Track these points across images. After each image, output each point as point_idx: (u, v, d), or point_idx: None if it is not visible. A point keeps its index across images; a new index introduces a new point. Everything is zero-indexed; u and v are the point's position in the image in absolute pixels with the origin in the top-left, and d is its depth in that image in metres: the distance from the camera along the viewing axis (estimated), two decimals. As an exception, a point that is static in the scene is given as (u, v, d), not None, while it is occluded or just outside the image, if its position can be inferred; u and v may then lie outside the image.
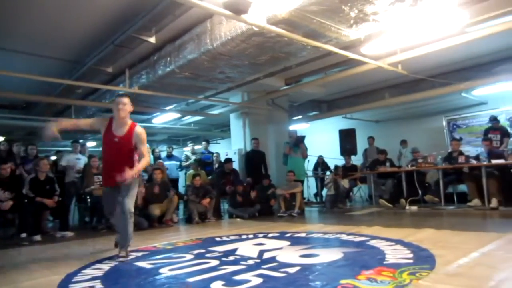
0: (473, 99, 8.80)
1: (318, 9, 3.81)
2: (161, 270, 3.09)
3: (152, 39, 4.81)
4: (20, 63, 6.23)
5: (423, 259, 2.82)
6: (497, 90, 7.71)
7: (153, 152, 8.78)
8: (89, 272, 3.17)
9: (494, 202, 6.01)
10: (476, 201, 6.32)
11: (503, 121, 8.80)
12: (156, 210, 6.37)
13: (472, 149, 8.79)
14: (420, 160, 7.47)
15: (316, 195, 10.26)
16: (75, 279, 2.93)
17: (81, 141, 9.05)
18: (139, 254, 3.90)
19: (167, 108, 8.74)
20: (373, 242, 3.67)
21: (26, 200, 5.55)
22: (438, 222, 5.07)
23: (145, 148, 3.75)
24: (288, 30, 4.21)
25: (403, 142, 9.32)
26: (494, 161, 6.27)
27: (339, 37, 4.50)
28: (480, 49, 6.49)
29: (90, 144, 12.19)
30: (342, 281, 2.36)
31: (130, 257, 3.73)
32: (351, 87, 8.98)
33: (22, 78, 5.59)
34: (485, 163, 6.38)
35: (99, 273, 3.12)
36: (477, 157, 6.89)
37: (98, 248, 4.43)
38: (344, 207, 8.20)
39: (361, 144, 10.13)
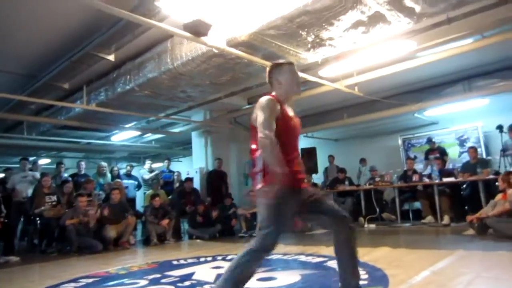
0: (425, 119, 9.23)
1: (276, 33, 3.90)
2: (112, 299, 2.97)
3: (111, 57, 4.72)
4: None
5: (377, 280, 2.88)
6: (447, 111, 8.17)
7: (111, 171, 8.51)
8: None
9: (446, 219, 6.27)
10: (429, 218, 6.57)
11: (453, 141, 9.29)
12: (111, 231, 6.14)
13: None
14: (377, 179, 7.71)
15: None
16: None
17: (31, 158, 8.63)
18: (89, 280, 3.72)
19: (127, 125, 8.53)
20: (331, 263, 3.70)
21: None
22: (394, 240, 5.21)
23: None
24: (247, 52, 4.27)
25: (362, 161, 9.58)
26: (445, 179, 6.58)
27: (298, 59, 4.61)
28: (431, 72, 6.85)
29: (43, 161, 11.69)
30: (299, 306, 2.36)
31: (80, 283, 3.56)
32: (312, 107, 9.16)
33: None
34: (437, 181, 6.67)
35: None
36: (429, 176, 7.20)
37: (46, 274, 4.17)
38: (306, 226, 8.24)
39: (322, 162, 10.31)
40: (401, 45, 4.75)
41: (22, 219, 6.93)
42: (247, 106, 8.33)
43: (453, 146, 9.30)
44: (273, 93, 2.39)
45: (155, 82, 5.14)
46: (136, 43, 4.83)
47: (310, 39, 4.04)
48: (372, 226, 6.99)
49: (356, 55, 5.01)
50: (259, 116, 2.20)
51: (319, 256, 4.17)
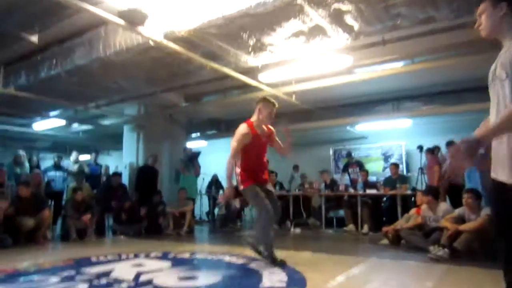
0: (356, 133, 9.75)
1: (217, 32, 3.88)
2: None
3: (34, 38, 4.35)
4: None
5: (296, 282, 2.96)
6: (376, 127, 8.73)
7: (30, 160, 7.88)
8: None
9: (365, 228, 6.65)
10: (351, 226, 6.92)
11: (379, 155, 9.92)
12: (27, 222, 5.67)
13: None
14: (306, 186, 7.96)
15: (208, 213, 10.21)
16: None
17: None
18: (-7, 277, 3.40)
19: (51, 113, 7.95)
20: (253, 265, 3.74)
21: None
22: (317, 245, 5.41)
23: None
24: (186, 48, 4.20)
25: (295, 167, 9.85)
26: (368, 191, 6.97)
27: (238, 62, 4.64)
28: (365, 89, 7.23)
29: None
30: (215, 306, 2.35)
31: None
32: (250, 109, 9.16)
33: None
34: (360, 192, 7.05)
35: None
36: (355, 186, 7.60)
37: None
38: (235, 227, 8.29)
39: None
40: (339, 59, 4.96)
41: None
42: (185, 104, 8.18)
43: (378, 161, 9.94)
44: (252, 119, 3.76)
45: (85, 70, 4.83)
46: (65, 26, 4.45)
47: (251, 42, 4.08)
48: (298, 230, 7.19)
49: (296, 64, 5.15)
50: (232, 142, 3.58)
51: (243, 257, 4.19)
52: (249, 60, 4.78)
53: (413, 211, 5.44)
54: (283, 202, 8.07)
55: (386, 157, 9.81)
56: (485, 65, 1.79)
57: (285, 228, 7.42)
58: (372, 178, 8.35)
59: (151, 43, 3.97)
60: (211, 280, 3.11)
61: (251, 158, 3.65)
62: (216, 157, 11.52)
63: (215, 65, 4.82)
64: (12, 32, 4.25)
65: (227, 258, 4.19)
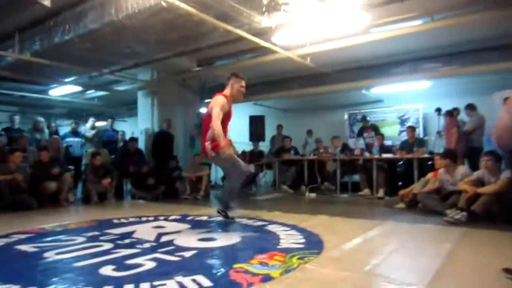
0: (372, 96, 9.58)
1: (231, -8, 3.76)
2: (46, 254, 2.86)
3: (47, 2, 4.28)
4: None
5: (313, 244, 3.00)
6: (392, 90, 8.52)
7: (48, 126, 8.00)
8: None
9: (381, 192, 6.65)
10: (366, 191, 6.93)
11: (395, 119, 9.77)
12: (49, 185, 5.86)
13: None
14: (321, 150, 7.94)
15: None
16: None
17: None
18: (23, 236, 3.55)
19: (67, 80, 7.98)
20: (271, 227, 3.81)
21: None
22: (332, 209, 5.45)
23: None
24: (198, 10, 4.09)
25: (309, 132, 9.81)
26: (384, 155, 6.92)
27: (251, 23, 4.52)
28: (381, 50, 7.02)
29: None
30: (235, 265, 2.41)
31: (12, 239, 3.39)
32: (263, 74, 9.11)
33: None
34: (376, 156, 7.00)
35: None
36: (370, 151, 7.54)
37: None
38: (249, 192, 8.39)
39: (270, 131, 10.41)
40: (355, 18, 4.78)
41: None
42: (197, 68, 8.10)
43: (394, 125, 9.79)
44: (225, 92, 4.03)
45: (97, 34, 4.77)
46: None
47: (265, 1, 3.98)
48: (313, 195, 7.24)
49: (311, 24, 4.99)
50: (214, 109, 3.78)
51: (260, 220, 4.27)
52: (263, 20, 4.66)
53: (430, 175, 5.40)
54: (297, 167, 8.14)
55: (402, 121, 9.65)
56: (507, 21, 1.70)
57: (300, 192, 7.48)
58: (388, 142, 8.26)
59: (164, 4, 3.87)
60: (230, 241, 3.17)
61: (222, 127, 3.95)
62: (230, 122, 11.55)
63: (228, 27, 4.70)
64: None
65: (244, 221, 4.27)
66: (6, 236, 3.54)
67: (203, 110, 9.53)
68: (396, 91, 8.62)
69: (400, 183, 6.81)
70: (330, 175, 7.81)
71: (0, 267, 2.53)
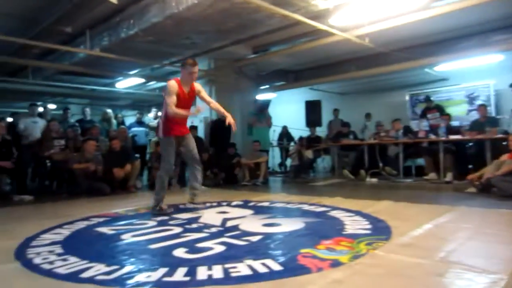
0: (435, 74, 9.05)
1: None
2: (122, 236, 3.07)
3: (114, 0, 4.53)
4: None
5: (380, 230, 2.94)
6: (459, 66, 7.96)
7: (115, 117, 8.51)
8: (49, 236, 3.11)
9: (449, 176, 6.29)
10: (432, 175, 6.59)
11: (462, 98, 9.18)
12: (119, 173, 6.26)
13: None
14: (382, 134, 7.69)
15: (280, 165, 10.41)
16: (34, 243, 2.87)
17: (39, 103, 8.61)
18: (100, 219, 3.85)
19: (131, 72, 8.41)
20: (334, 213, 3.79)
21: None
22: (396, 194, 5.28)
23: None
24: (256, -3, 4.10)
25: (368, 115, 9.53)
26: (451, 137, 6.53)
27: (308, 6, 4.45)
28: (445, 24, 6.58)
29: (50, 106, 11.63)
30: (302, 250, 2.42)
31: (92, 222, 3.69)
32: (318, 58, 8.95)
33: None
34: (443, 138, 6.63)
35: (59, 237, 3.06)
36: (435, 132, 7.16)
37: (59, 213, 4.31)
38: (308, 178, 8.38)
39: (326, 115, 10.27)
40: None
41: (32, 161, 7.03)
42: (252, 56, 8.14)
43: (461, 104, 9.21)
44: (179, 77, 4.16)
45: (159, 27, 4.99)
46: None
47: (323, -17, 3.86)
48: (374, 180, 7.07)
49: (369, 3, 4.80)
50: (167, 93, 3.98)
51: (321, 206, 4.25)
52: (320, 3, 4.55)
53: (504, 156, 5.02)
54: (357, 151, 7.96)
55: (470, 99, 9.04)
56: None
57: (360, 178, 7.32)
58: (455, 123, 7.78)
59: (222, -7, 3.93)
60: (294, 227, 3.19)
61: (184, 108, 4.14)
62: (285, 108, 11.56)
63: (285, 12, 4.66)
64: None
65: (306, 207, 4.27)
66: (86, 219, 3.86)
67: (260, 97, 9.61)
68: (462, 67, 8.03)
69: (470, 166, 6.41)
70: (391, 159, 7.55)
71: (85, 247, 2.75)
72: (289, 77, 10.55)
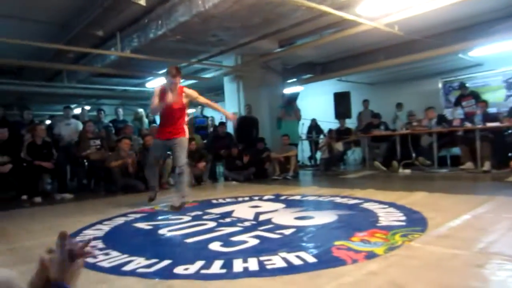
0: (469, 60, 8.71)
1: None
2: (160, 231, 3.18)
3: (142, 1, 4.65)
4: (9, 28, 6.03)
5: (415, 222, 2.89)
6: (494, 51, 7.62)
7: (147, 116, 8.73)
8: (90, 232, 3.26)
9: (486, 165, 6.05)
10: (468, 164, 6.36)
11: (499, 83, 8.80)
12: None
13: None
14: (414, 123, 7.50)
15: (310, 158, 10.36)
16: (77, 239, 3.00)
17: (73, 105, 8.95)
18: (138, 215, 3.99)
19: (160, 72, 8.59)
20: (366, 205, 3.75)
21: (24, 164, 5.59)
22: (430, 185, 5.17)
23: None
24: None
25: (399, 105, 9.32)
26: (489, 124, 6.27)
27: (334, -4, 4.38)
28: (479, 7, 6.32)
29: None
30: (336, 243, 2.43)
31: (129, 218, 3.82)
32: (346, 49, 8.82)
33: (10, 43, 5.43)
34: (479, 126, 6.39)
35: (100, 233, 3.20)
36: (471, 120, 6.91)
37: (98, 209, 4.49)
38: (338, 170, 8.31)
39: (356, 107, 10.12)
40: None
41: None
42: (279, 50, 8.11)
43: (499, 90, 8.84)
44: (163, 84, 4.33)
45: (187, 26, 5.07)
46: None
47: (349, -27, 3.80)
48: (407, 171, 6.91)
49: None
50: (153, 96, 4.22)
51: (354, 198, 4.22)
52: (347, -8, 4.49)
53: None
54: (388, 142, 7.80)
55: (509, 85, 8.66)
56: None
57: (392, 169, 7.18)
58: (492, 110, 7.48)
59: (248, -11, 3.94)
60: (327, 219, 3.19)
61: (161, 117, 4.44)
62: (313, 101, 11.47)
63: (310, 4, 4.62)
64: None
65: (337, 200, 4.25)
66: (124, 215, 4.01)
67: (287, 90, 9.58)
68: (499, 51, 7.67)
69: (510, 154, 6.14)
70: (425, 149, 7.36)
71: (125, 242, 2.87)
72: (316, 69, 10.46)
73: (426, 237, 2.44)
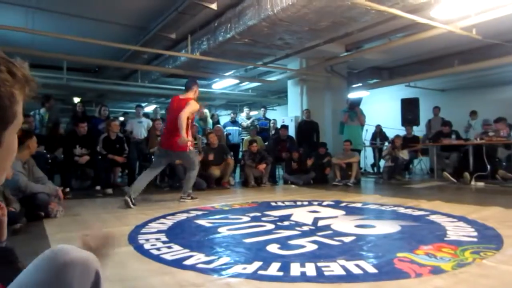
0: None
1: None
2: (219, 229, 3.25)
3: (214, 6, 4.84)
4: (92, 30, 6.61)
5: (489, 238, 2.69)
6: None
7: (212, 116, 9.01)
8: (155, 225, 3.43)
9: None
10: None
11: None
12: (215, 171, 6.63)
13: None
14: (491, 133, 6.96)
15: (373, 165, 10.03)
16: (143, 230, 3.20)
17: (144, 104, 9.48)
18: (199, 212, 4.12)
19: (226, 74, 8.84)
20: (433, 217, 3.56)
21: (99, 157, 6.04)
22: (507, 200, 4.76)
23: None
24: (351, -7, 4.02)
25: (473, 113, 8.73)
26: None
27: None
28: None
29: (152, 107, 12.73)
30: (399, 254, 2.34)
31: (191, 214, 3.97)
32: (416, 53, 8.44)
33: (93, 44, 5.92)
34: None
35: (164, 227, 3.36)
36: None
37: (162, 204, 4.73)
38: (403, 179, 7.96)
39: (425, 114, 9.63)
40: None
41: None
42: (345, 54, 7.97)
43: None
44: (190, 96, 4.83)
45: (255, 30, 5.18)
46: None
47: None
48: (480, 184, 6.44)
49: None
50: (186, 112, 4.55)
51: (419, 209, 4.02)
52: (420, -5, 4.30)
53: None
54: (460, 153, 7.32)
55: None
56: None
57: (463, 181, 6.72)
58: None
59: (317, -7, 3.93)
60: (389, 229, 3.08)
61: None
62: (378, 107, 11.11)
63: (381, 7, 4.49)
64: (197, 2, 4.80)
65: (401, 210, 4.08)
66: (186, 211, 4.17)
67: (352, 95, 9.38)
68: None
69: None
70: (502, 162, 6.80)
71: (186, 237, 2.99)
72: (383, 74, 10.12)
73: (502, 256, 2.26)
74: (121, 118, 9.31)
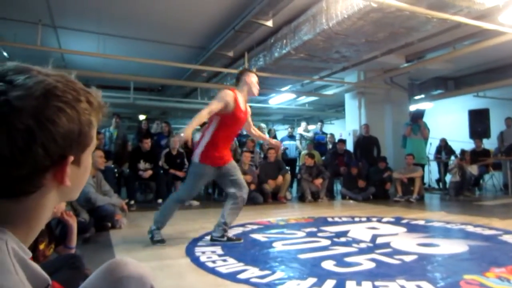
0: None
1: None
2: (274, 244, 3.25)
3: (269, 23, 4.95)
4: (155, 51, 7.05)
5: None
6: None
7: (269, 132, 9.10)
8: (211, 239, 3.51)
9: None
10: None
11: None
12: (269, 186, 6.67)
13: None
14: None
15: (438, 181, 9.47)
16: (200, 243, 3.29)
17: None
18: (255, 227, 4.15)
19: (283, 89, 8.93)
20: (507, 237, 3.28)
21: (161, 171, 6.32)
22: None
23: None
24: (410, 3, 3.90)
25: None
26: None
27: (472, 5, 4.01)
28: None
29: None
30: (466, 276, 2.18)
31: (247, 228, 4.00)
32: (485, 61, 7.92)
33: (157, 64, 6.32)
34: None
35: (220, 240, 3.42)
36: None
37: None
38: (472, 196, 7.42)
39: (496, 126, 8.94)
40: None
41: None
42: (405, 65, 7.69)
43: None
44: (236, 89, 3.31)
45: (310, 44, 5.20)
46: (292, 7, 4.95)
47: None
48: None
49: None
50: (214, 101, 3.16)
51: (490, 228, 3.72)
52: (487, 1, 4.06)
53: None
54: None
55: None
56: None
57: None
58: None
59: (373, 4, 3.87)
60: (455, 249, 2.88)
61: (224, 132, 3.25)
62: (444, 119, 10.52)
63: (444, 15, 4.30)
64: (253, 20, 4.94)
65: (470, 228, 3.80)
66: (242, 225, 4.21)
67: (414, 107, 9.00)
68: None
69: None
70: None
71: (241, 251, 3.02)
72: (448, 84, 9.60)
73: None
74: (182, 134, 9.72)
